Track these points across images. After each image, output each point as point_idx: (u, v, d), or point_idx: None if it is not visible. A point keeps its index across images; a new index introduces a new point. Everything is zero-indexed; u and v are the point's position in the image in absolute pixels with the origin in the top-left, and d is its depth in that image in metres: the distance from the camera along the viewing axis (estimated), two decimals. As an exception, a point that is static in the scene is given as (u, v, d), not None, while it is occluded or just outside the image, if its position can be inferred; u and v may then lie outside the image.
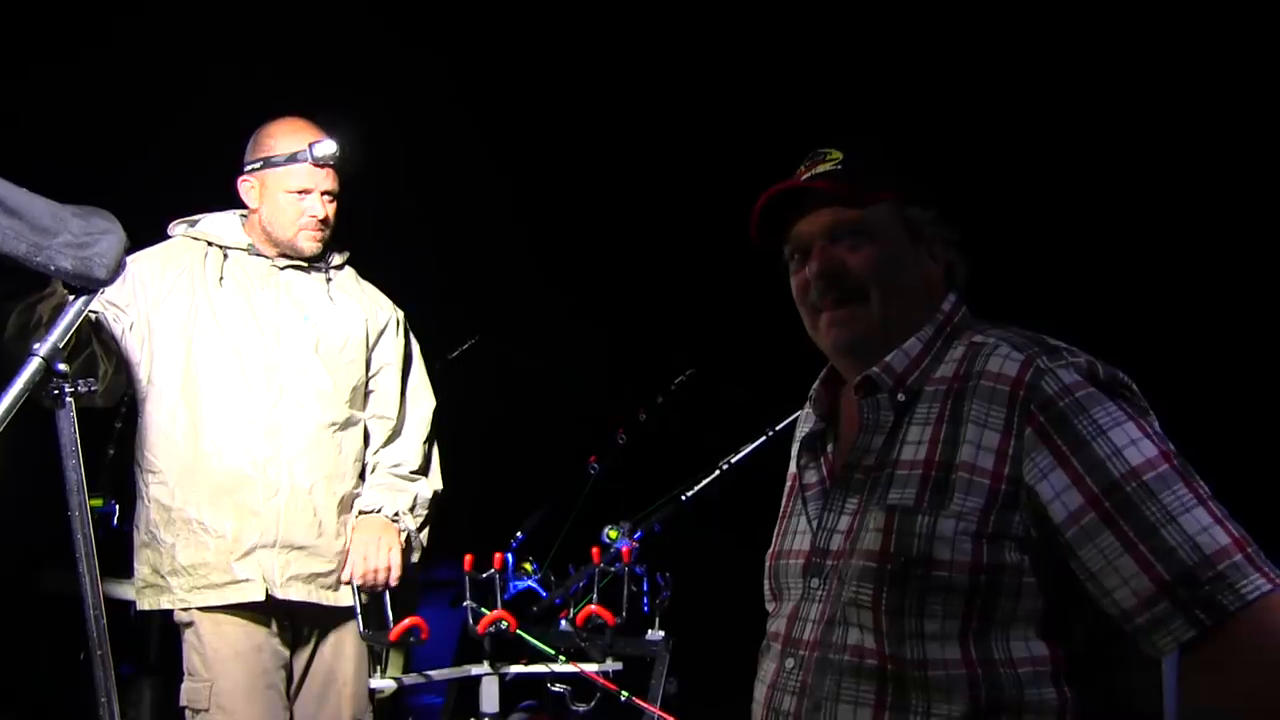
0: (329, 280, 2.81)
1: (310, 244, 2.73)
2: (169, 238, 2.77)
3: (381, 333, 2.86)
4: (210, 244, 2.73)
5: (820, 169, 1.57)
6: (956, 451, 1.40)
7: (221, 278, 2.69)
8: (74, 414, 1.70)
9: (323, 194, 2.71)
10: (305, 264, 2.77)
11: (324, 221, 2.72)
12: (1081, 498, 1.32)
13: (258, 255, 2.74)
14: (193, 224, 2.78)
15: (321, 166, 2.70)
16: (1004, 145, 3.60)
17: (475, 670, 2.50)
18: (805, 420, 1.68)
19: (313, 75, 3.67)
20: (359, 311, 2.82)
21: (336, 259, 2.86)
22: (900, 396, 1.49)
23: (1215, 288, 3.55)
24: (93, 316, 2.52)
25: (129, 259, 2.62)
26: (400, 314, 2.94)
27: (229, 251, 2.73)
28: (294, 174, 2.69)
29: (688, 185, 4.08)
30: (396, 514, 2.73)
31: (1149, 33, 3.46)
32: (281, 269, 2.75)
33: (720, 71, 4.02)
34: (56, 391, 1.67)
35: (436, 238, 4.13)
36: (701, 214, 4.06)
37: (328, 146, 2.70)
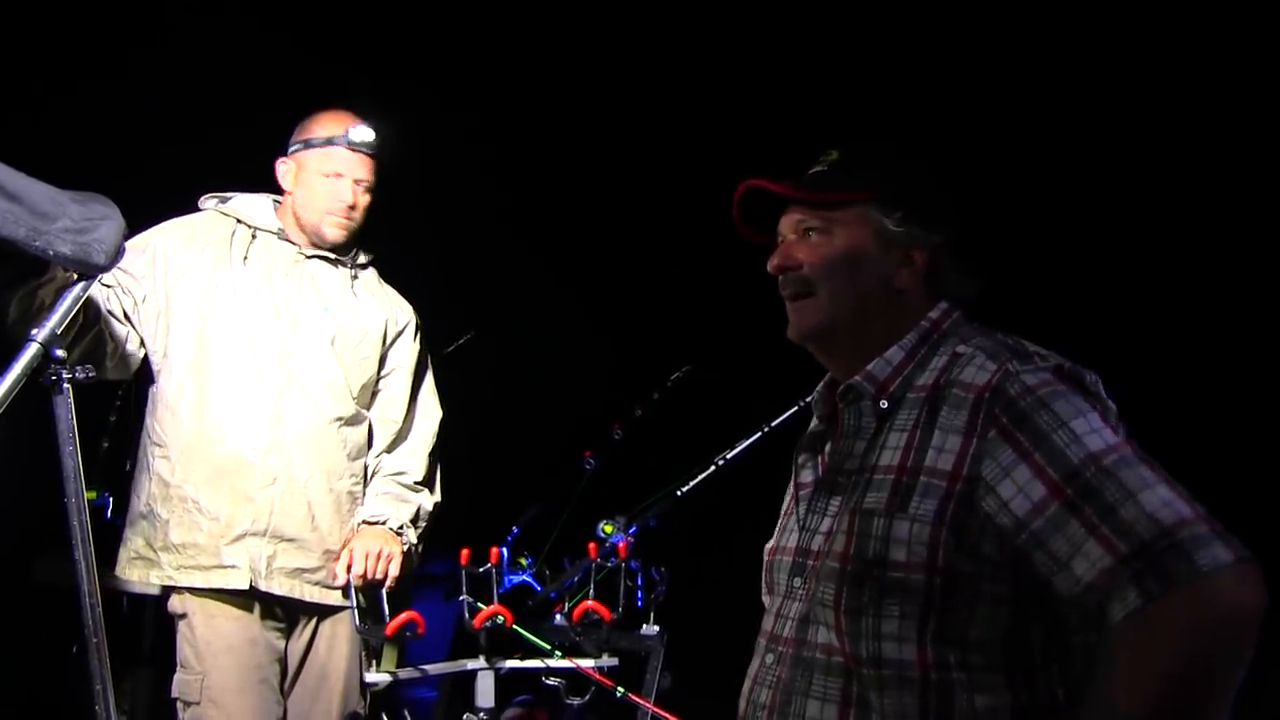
0: (354, 276, 2.79)
1: (335, 230, 2.70)
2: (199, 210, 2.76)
3: (399, 335, 2.83)
4: (240, 222, 2.71)
5: (814, 170, 1.62)
6: (924, 457, 1.42)
7: (246, 258, 2.67)
8: (71, 400, 1.69)
9: (355, 181, 2.68)
10: (332, 257, 2.75)
11: (352, 209, 2.69)
12: (1044, 488, 1.32)
13: (286, 241, 2.72)
14: (224, 200, 2.75)
15: (357, 151, 2.67)
16: (1016, 151, 3.62)
17: (471, 665, 2.49)
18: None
19: (315, 75, 3.66)
20: (380, 310, 2.79)
21: (363, 257, 2.83)
22: (883, 404, 1.50)
23: (1219, 291, 3.57)
24: (104, 292, 2.50)
25: (153, 229, 2.65)
26: (418, 320, 2.91)
27: (257, 233, 2.71)
28: (329, 156, 2.68)
29: (685, 182, 4.07)
30: (401, 527, 2.71)
31: (1162, 37, 3.47)
32: (308, 258, 2.72)
33: (721, 70, 4.02)
34: (54, 378, 1.67)
35: (432, 233, 4.11)
36: (699, 211, 4.06)
37: (364, 132, 2.68)
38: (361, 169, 2.69)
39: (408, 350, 2.85)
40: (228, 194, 2.77)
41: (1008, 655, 1.37)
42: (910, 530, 1.39)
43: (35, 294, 2.04)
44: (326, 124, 2.70)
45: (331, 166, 2.67)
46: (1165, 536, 1.25)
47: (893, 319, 1.55)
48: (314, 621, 2.66)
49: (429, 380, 2.92)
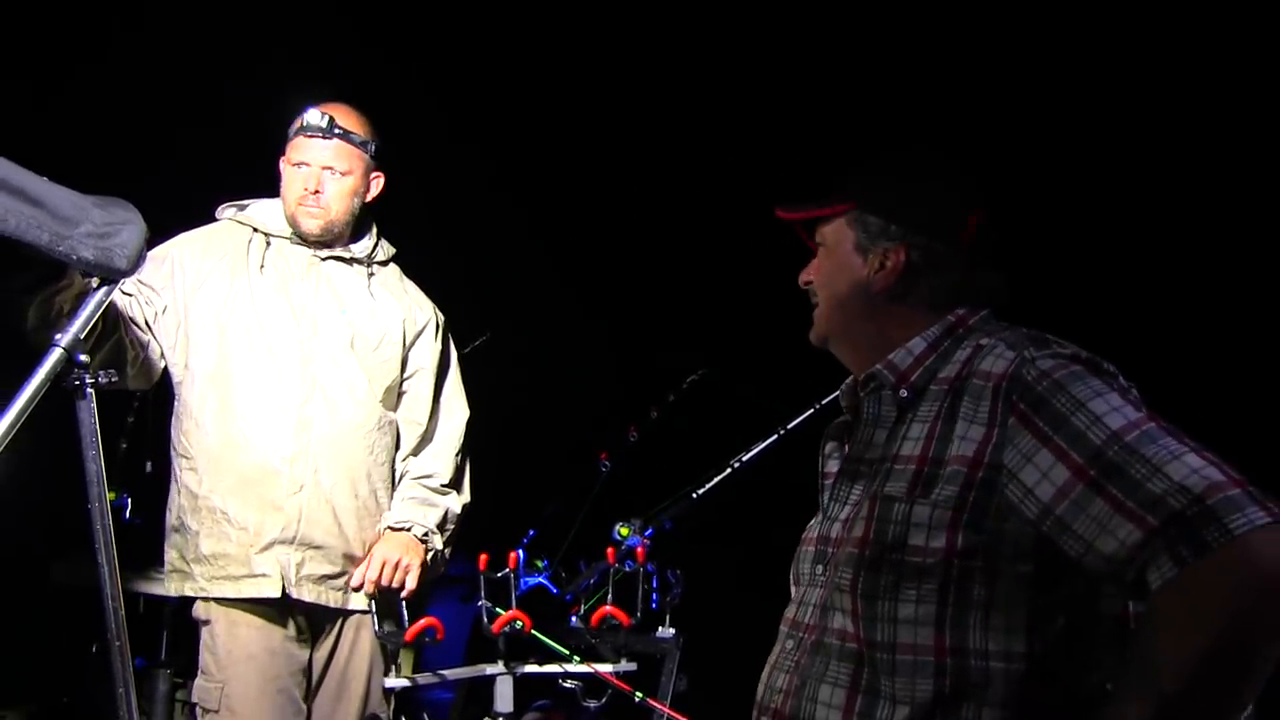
0: (371, 274, 2.76)
1: (308, 220, 2.64)
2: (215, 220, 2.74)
3: (419, 334, 2.80)
4: (255, 230, 2.69)
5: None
6: (947, 448, 1.42)
7: (262, 265, 2.65)
8: (94, 405, 1.69)
9: (323, 168, 2.63)
10: (348, 256, 2.73)
11: (316, 194, 2.62)
12: (1068, 471, 1.31)
13: (300, 244, 2.69)
14: (241, 208, 2.74)
15: (313, 136, 2.62)
16: (1030, 149, 3.61)
17: (490, 669, 2.49)
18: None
19: (324, 73, 3.66)
20: (397, 310, 2.76)
21: (381, 254, 2.81)
22: (903, 393, 1.51)
23: (1224, 290, 3.56)
24: (124, 300, 2.49)
25: (171, 241, 2.64)
26: (441, 317, 2.87)
27: (272, 239, 2.69)
28: (295, 147, 2.66)
29: (703, 184, 4.07)
30: (427, 533, 2.69)
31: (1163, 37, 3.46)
32: (323, 259, 2.70)
33: (732, 73, 4.02)
34: (77, 382, 1.66)
35: (448, 235, 4.12)
36: (716, 213, 4.06)
37: (317, 116, 2.62)
38: (325, 154, 2.63)
39: (429, 350, 2.82)
40: (245, 202, 2.75)
41: (1029, 644, 1.36)
42: (931, 515, 1.40)
43: (53, 300, 2.04)
44: (300, 117, 2.67)
45: (297, 156, 2.64)
46: (1197, 503, 1.23)
47: (884, 320, 1.58)
48: (337, 627, 2.65)
49: (454, 379, 2.88)
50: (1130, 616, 1.40)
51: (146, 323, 2.55)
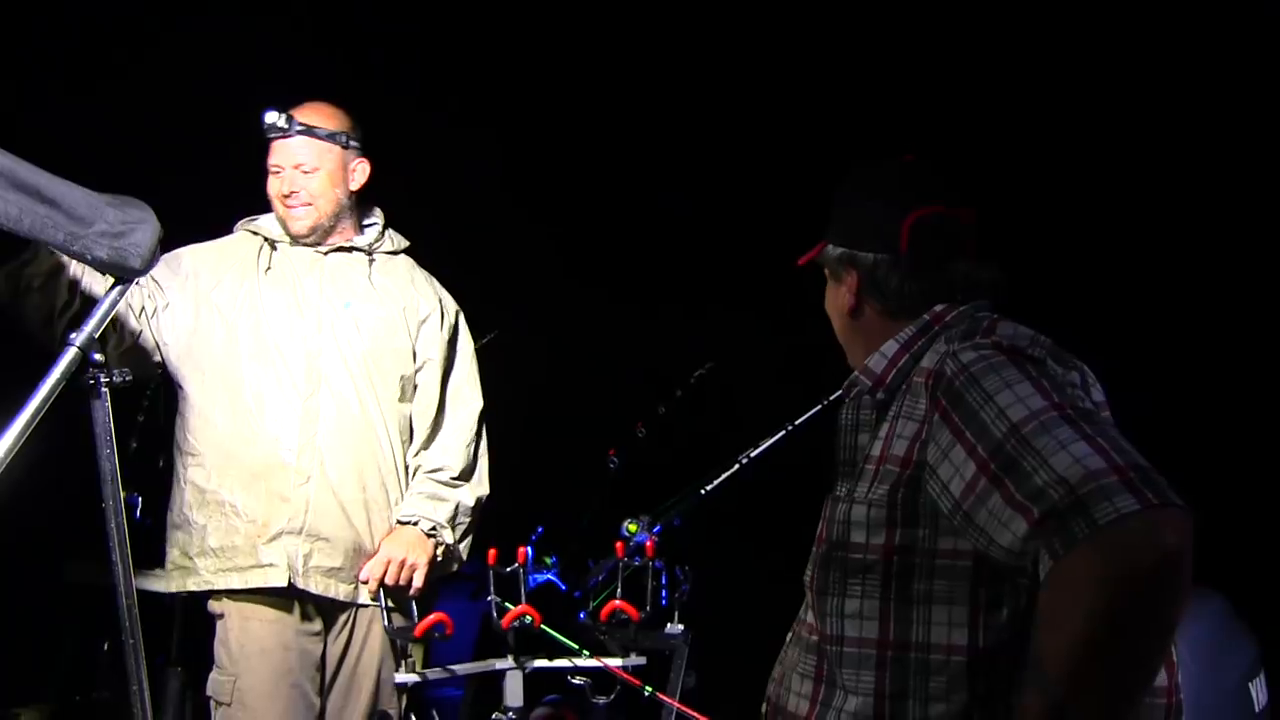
0: (372, 262, 2.77)
1: (294, 222, 2.66)
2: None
3: (423, 324, 2.79)
4: (265, 239, 2.72)
5: None
6: (893, 445, 1.47)
7: (269, 268, 2.68)
8: (109, 405, 1.70)
9: (294, 168, 2.64)
10: (348, 246, 2.75)
11: (290, 196, 2.64)
12: (974, 466, 1.33)
13: (301, 245, 2.72)
14: (254, 219, 2.77)
15: (275, 138, 2.63)
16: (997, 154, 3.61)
17: (500, 664, 2.50)
18: None
19: (328, 71, 3.67)
20: (398, 299, 2.76)
21: (389, 245, 2.82)
22: (880, 395, 1.54)
23: (1214, 287, 3.56)
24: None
25: (188, 246, 2.67)
26: (452, 308, 2.87)
27: (277, 244, 2.72)
28: (269, 152, 2.67)
29: (711, 181, 4.08)
30: (435, 528, 2.69)
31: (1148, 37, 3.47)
32: (325, 254, 2.72)
33: (740, 71, 4.02)
34: (92, 381, 1.68)
35: (455, 231, 4.12)
36: (723, 209, 4.07)
37: (271, 115, 2.61)
38: (292, 153, 2.64)
39: (435, 341, 2.81)
40: (258, 216, 2.78)
41: (972, 636, 1.39)
42: (867, 513, 1.45)
43: (21, 273, 2.06)
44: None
45: (271, 161, 2.67)
46: (1070, 494, 1.23)
47: (865, 336, 1.63)
48: (349, 622, 2.67)
49: (465, 369, 2.87)
50: None
51: (143, 310, 2.56)
